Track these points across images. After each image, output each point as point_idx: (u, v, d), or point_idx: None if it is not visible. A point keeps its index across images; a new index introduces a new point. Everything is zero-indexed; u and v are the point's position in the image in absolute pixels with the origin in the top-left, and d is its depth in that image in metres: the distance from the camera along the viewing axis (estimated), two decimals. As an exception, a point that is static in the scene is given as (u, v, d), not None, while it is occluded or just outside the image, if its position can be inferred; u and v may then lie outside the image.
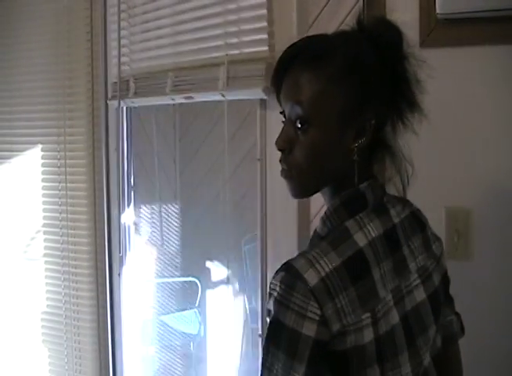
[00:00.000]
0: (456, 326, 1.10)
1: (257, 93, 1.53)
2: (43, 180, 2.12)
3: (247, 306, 3.64)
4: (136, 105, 1.91)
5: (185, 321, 3.74)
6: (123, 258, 2.00)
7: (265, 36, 1.53)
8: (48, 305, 2.15)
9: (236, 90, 1.57)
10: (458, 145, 1.44)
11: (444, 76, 1.44)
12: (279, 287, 0.83)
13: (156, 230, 3.97)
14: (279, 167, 0.93)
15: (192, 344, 3.75)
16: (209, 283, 3.97)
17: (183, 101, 1.75)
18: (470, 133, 1.42)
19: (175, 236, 4.10)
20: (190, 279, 3.96)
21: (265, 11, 1.53)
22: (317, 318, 0.82)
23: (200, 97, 1.68)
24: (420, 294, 0.94)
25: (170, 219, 4.03)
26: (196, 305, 3.83)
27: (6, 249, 2.22)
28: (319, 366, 0.83)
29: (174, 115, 4.01)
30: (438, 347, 1.01)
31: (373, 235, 0.89)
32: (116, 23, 1.87)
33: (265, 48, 1.53)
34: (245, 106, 1.89)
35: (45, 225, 2.13)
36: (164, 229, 4.03)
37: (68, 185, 2.05)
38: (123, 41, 1.87)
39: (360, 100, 0.88)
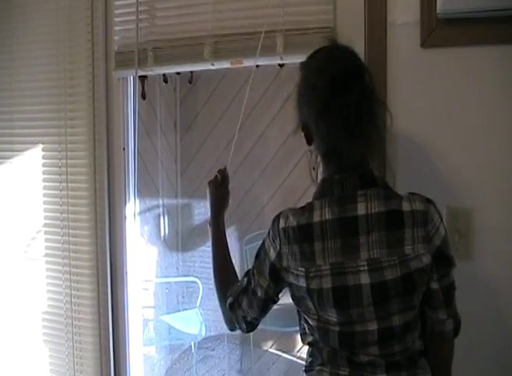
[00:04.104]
0: (447, 327, 1.18)
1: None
2: (44, 180, 2.12)
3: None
4: (154, 73, 1.90)
5: (186, 321, 3.74)
6: (124, 257, 2.00)
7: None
8: (49, 305, 2.15)
9: (294, 55, 1.56)
10: (458, 145, 1.44)
11: (444, 76, 1.45)
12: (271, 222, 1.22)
13: (157, 229, 3.98)
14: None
15: (193, 343, 3.76)
16: (210, 283, 3.97)
17: (225, 66, 1.76)
18: (470, 133, 1.42)
19: (177, 236, 4.11)
20: (191, 279, 3.97)
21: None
22: (277, 249, 1.19)
23: (251, 62, 1.65)
24: (365, 279, 1.11)
25: (171, 218, 4.04)
26: (198, 304, 3.83)
27: (7, 249, 2.22)
28: (272, 280, 1.21)
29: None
30: (396, 332, 1.13)
31: (327, 217, 1.13)
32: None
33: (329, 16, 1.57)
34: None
35: (45, 224, 2.13)
36: (166, 228, 4.03)
37: (69, 184, 2.05)
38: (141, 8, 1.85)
39: None
